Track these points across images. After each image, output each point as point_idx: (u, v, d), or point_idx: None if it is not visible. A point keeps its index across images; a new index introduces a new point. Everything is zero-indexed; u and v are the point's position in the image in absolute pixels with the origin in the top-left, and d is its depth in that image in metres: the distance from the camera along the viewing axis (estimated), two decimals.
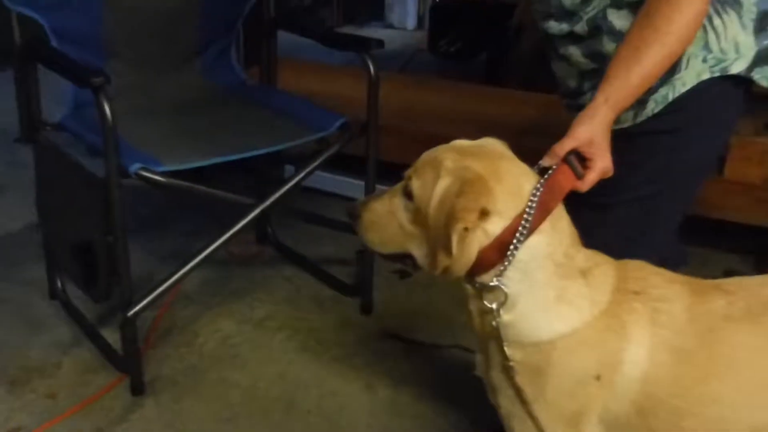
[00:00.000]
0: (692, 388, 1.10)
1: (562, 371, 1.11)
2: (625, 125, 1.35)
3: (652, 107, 1.34)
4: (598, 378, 1.10)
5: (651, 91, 1.31)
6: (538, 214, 1.07)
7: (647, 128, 1.36)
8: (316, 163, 1.93)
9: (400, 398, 1.83)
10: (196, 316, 2.11)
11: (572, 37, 1.42)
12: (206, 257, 1.84)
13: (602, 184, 1.19)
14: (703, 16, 1.22)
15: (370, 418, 1.77)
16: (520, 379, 1.12)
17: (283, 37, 2.28)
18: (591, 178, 1.17)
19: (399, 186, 1.15)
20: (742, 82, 1.35)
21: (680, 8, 1.18)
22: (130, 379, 1.80)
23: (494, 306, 1.09)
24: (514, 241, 1.06)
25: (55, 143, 1.86)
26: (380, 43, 1.96)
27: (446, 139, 1.17)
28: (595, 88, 1.23)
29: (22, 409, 1.75)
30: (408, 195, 1.12)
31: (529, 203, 1.07)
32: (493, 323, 1.10)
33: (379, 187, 1.90)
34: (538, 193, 1.08)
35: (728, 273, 2.33)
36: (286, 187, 1.91)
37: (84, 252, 1.80)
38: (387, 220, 1.16)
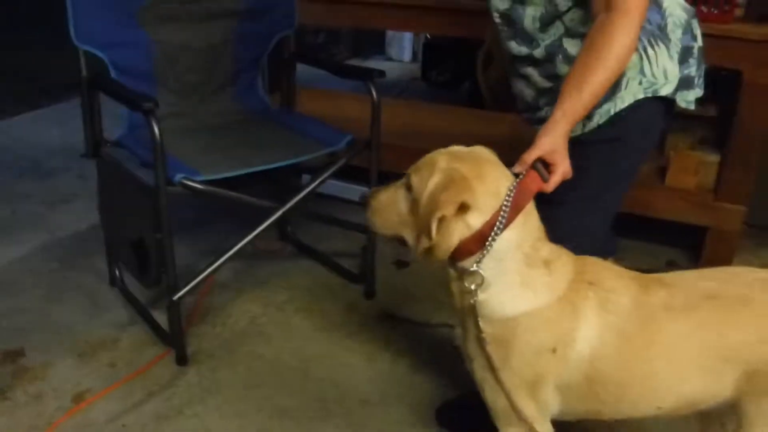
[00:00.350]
0: (634, 366, 1.12)
1: (523, 343, 1.13)
2: (575, 134, 1.34)
3: (597, 120, 1.35)
4: (553, 351, 1.12)
5: (597, 105, 1.31)
6: (512, 212, 1.09)
7: (593, 137, 1.37)
8: (328, 173, 1.94)
9: (397, 368, 1.84)
10: (229, 300, 2.12)
11: (531, 60, 1.42)
12: (237, 252, 1.86)
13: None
14: (635, 43, 1.23)
15: (373, 385, 1.78)
16: (490, 349, 1.14)
17: (301, 68, 2.30)
18: (555, 180, 1.17)
19: (402, 180, 1.17)
20: (669, 103, 1.37)
21: (616, 38, 1.20)
22: (176, 352, 1.82)
23: (473, 287, 1.11)
24: (492, 233, 1.08)
25: (114, 158, 1.88)
26: (382, 73, 1.96)
27: None
28: (549, 104, 1.21)
29: (89, 375, 1.78)
30: (408, 188, 1.15)
31: (505, 202, 1.09)
32: (471, 301, 1.12)
33: None
34: (511, 194, 1.10)
35: (670, 263, 2.37)
36: (303, 193, 1.92)
37: (138, 247, 1.83)
38: (390, 207, 1.18)
